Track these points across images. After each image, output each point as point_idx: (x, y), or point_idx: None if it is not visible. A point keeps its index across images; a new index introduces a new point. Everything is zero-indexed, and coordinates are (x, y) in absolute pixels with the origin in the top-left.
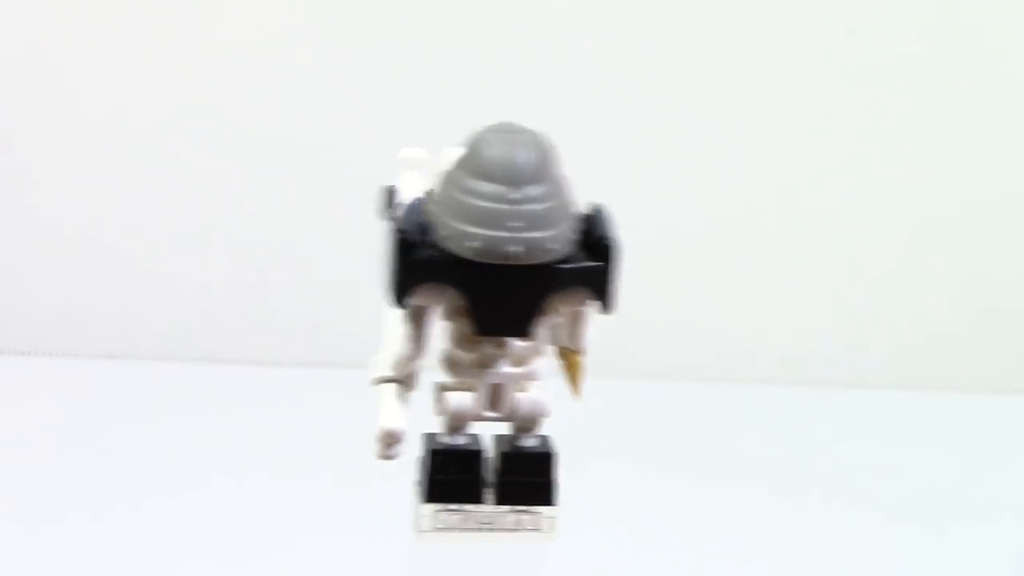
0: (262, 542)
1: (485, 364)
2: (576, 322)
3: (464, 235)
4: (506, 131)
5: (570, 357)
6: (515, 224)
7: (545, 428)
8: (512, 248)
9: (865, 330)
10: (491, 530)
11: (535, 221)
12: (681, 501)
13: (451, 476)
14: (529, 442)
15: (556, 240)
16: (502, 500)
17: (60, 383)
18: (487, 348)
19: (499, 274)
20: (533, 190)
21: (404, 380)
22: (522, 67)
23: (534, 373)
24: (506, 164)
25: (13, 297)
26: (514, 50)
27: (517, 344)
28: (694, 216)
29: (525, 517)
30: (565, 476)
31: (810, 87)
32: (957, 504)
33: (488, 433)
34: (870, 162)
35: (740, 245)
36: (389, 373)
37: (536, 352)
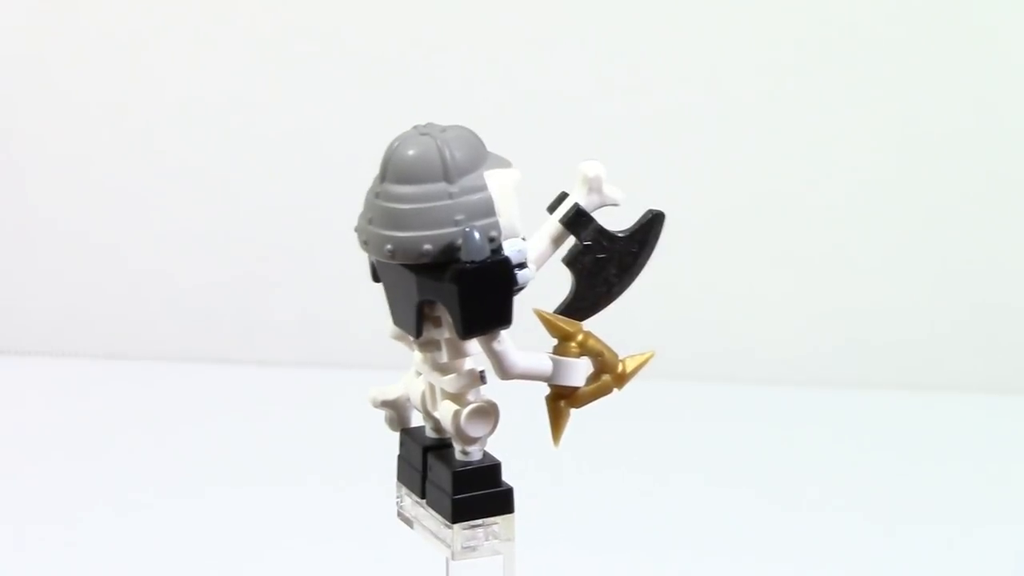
0: (261, 543)
1: (423, 359)
2: (453, 342)
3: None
4: (420, 130)
5: (550, 400)
6: (369, 215)
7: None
8: (361, 238)
9: (865, 330)
10: (425, 530)
11: (385, 218)
12: (680, 502)
13: (404, 456)
14: (456, 456)
15: (406, 244)
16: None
17: (60, 383)
18: (418, 344)
19: (379, 264)
20: (396, 188)
21: None
22: (523, 64)
23: (453, 386)
24: (387, 157)
25: (13, 297)
26: (515, 46)
27: (441, 351)
28: (693, 215)
29: (444, 531)
30: (562, 476)
31: (808, 85)
32: (957, 504)
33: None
34: (869, 160)
35: (739, 244)
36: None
37: (452, 367)
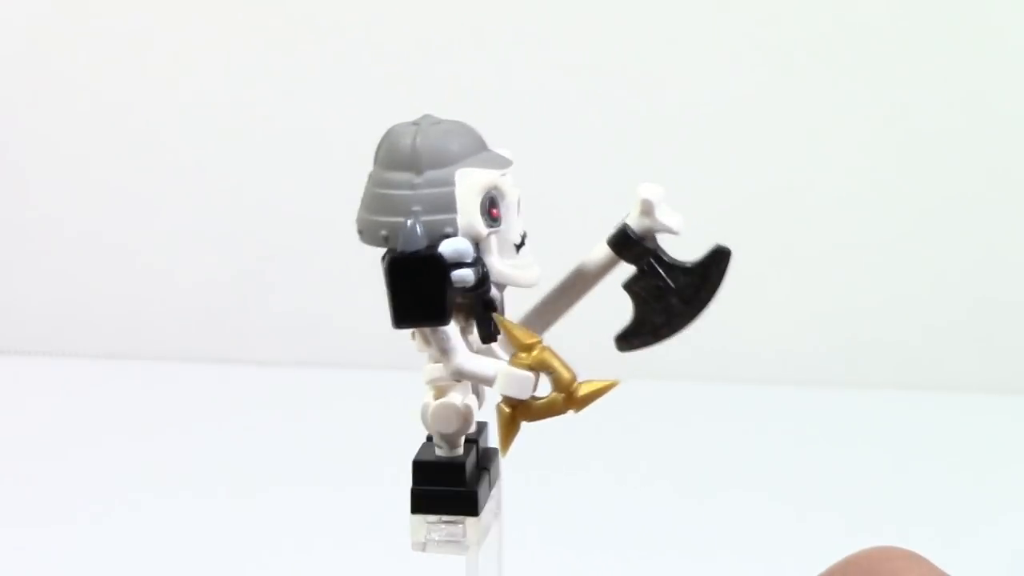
0: (261, 542)
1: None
2: (420, 333)
3: None
4: (416, 120)
5: (499, 407)
6: (362, 195)
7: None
8: (356, 217)
9: (865, 330)
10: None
11: (364, 200)
12: (680, 501)
13: None
14: (432, 450)
15: (370, 227)
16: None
17: (60, 383)
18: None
19: None
20: (375, 172)
21: None
22: (523, 64)
23: (424, 376)
24: (379, 141)
25: (13, 297)
26: (514, 48)
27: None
28: (691, 214)
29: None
30: (560, 477)
31: (807, 84)
32: (956, 504)
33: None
34: (869, 160)
35: (738, 244)
36: None
37: (429, 358)
